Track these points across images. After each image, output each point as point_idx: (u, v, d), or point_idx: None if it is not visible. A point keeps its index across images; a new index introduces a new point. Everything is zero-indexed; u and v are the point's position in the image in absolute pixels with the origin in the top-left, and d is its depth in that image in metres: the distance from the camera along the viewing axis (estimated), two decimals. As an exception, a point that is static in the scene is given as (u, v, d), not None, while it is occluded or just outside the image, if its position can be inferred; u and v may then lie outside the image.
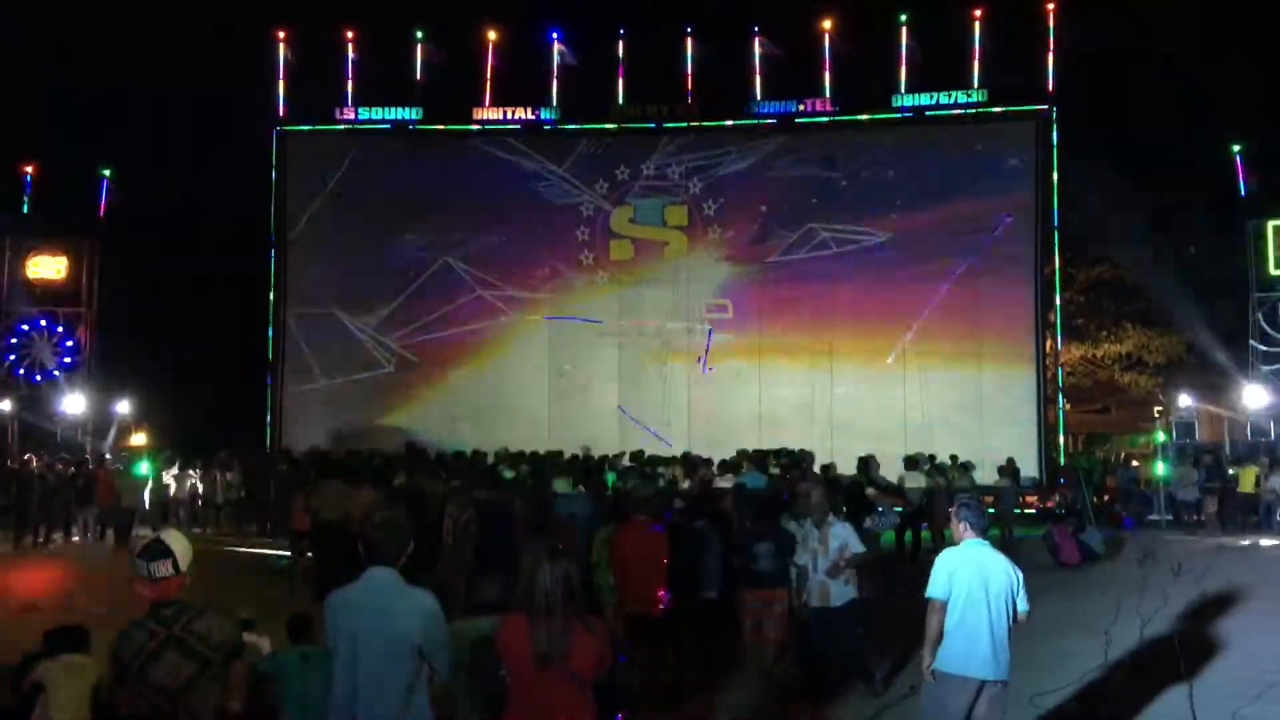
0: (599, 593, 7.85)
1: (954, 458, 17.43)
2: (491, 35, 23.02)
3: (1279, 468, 18.24)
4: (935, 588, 5.49)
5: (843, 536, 7.71)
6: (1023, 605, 5.46)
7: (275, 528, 16.87)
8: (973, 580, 5.41)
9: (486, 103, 22.99)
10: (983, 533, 5.59)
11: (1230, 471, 18.83)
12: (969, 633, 5.36)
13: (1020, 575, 5.50)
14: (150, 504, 17.90)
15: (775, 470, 12.86)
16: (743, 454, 13.93)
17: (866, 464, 13.72)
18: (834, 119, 22.15)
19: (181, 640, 3.89)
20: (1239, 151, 22.14)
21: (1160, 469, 19.61)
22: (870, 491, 12.04)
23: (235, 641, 4.09)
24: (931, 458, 16.77)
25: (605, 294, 22.53)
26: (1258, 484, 18.25)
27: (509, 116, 22.92)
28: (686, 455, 14.87)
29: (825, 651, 7.77)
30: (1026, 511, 19.26)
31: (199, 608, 4.00)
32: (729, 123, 22.56)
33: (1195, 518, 18.67)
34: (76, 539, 17.76)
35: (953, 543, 5.69)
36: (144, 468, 18.08)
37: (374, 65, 23.34)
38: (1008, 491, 17.02)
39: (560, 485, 11.69)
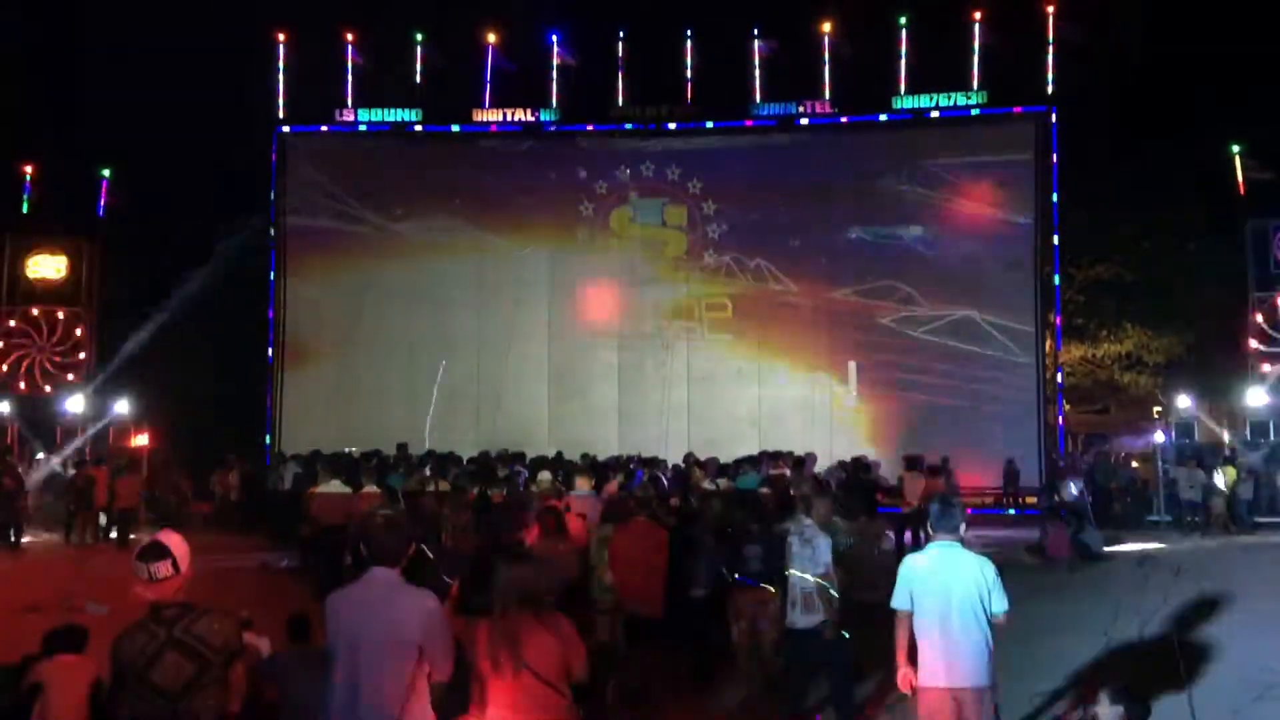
0: (596, 593, 7.85)
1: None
2: (491, 36, 23.02)
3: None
4: (896, 598, 5.32)
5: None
6: (999, 605, 5.18)
7: (276, 528, 16.85)
8: (936, 587, 5.19)
9: (487, 104, 22.99)
10: (953, 532, 5.33)
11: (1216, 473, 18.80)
12: (938, 643, 5.14)
13: (992, 574, 5.23)
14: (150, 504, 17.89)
15: (773, 473, 12.87)
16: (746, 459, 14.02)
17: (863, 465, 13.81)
18: (834, 120, 22.15)
19: (182, 642, 3.84)
20: (1239, 151, 22.15)
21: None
22: None
23: (236, 644, 4.04)
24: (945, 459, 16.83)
25: (604, 294, 22.51)
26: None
27: (509, 118, 22.91)
28: (687, 456, 14.91)
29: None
30: (1027, 511, 19.25)
31: (201, 609, 3.95)
32: (729, 124, 22.55)
33: (1196, 518, 18.65)
34: (75, 539, 17.73)
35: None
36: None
37: (374, 67, 23.34)
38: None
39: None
